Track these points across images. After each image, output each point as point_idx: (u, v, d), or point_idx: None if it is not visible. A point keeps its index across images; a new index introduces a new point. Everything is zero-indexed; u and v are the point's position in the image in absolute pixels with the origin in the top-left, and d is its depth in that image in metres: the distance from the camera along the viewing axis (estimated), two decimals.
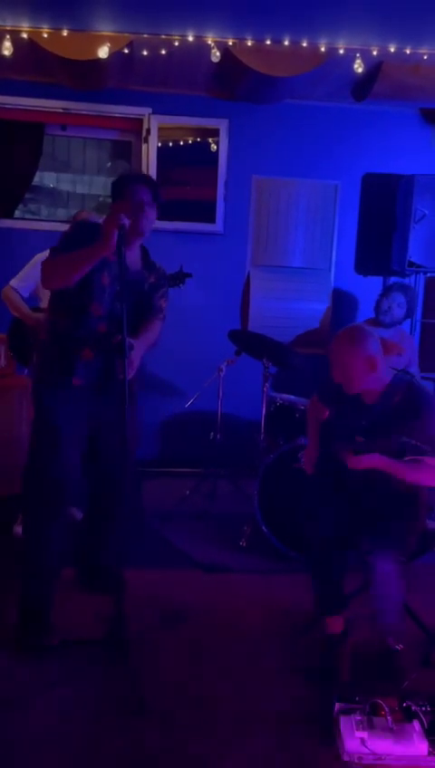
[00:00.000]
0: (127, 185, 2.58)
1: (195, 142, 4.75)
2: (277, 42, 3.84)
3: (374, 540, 2.49)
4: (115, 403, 2.51)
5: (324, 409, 2.86)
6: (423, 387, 2.55)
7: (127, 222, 2.38)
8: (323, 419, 2.88)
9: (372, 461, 2.42)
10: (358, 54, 3.89)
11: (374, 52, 3.87)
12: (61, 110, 4.64)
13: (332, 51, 3.87)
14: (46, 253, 3.62)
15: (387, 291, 4.10)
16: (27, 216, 5.25)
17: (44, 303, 3.58)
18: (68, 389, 2.59)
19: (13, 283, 3.57)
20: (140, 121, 4.69)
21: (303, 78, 4.05)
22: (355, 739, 2.06)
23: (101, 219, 3.64)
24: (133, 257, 2.66)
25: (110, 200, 2.69)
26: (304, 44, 3.84)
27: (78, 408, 2.62)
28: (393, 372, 2.54)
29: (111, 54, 3.79)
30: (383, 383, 2.51)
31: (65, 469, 2.61)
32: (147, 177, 2.87)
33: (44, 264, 2.55)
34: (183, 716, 2.25)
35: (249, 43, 3.85)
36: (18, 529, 3.55)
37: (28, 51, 3.89)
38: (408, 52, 3.87)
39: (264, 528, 3.48)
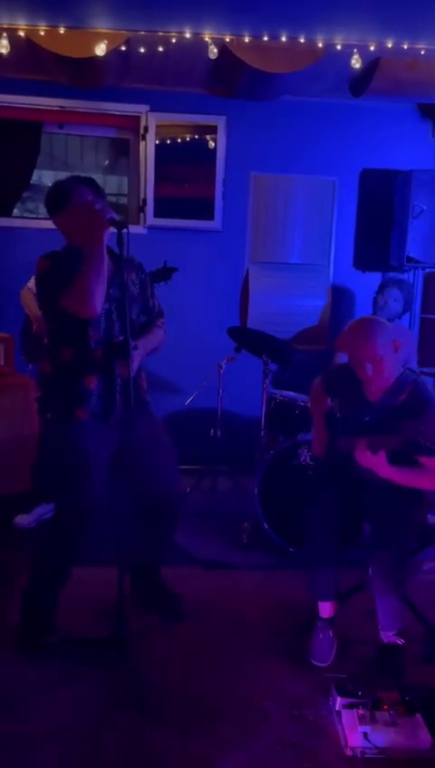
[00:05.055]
0: (70, 189, 2.42)
1: (193, 139, 4.74)
2: (275, 38, 3.82)
3: (375, 530, 2.49)
4: (132, 424, 2.46)
5: (326, 397, 2.85)
6: (427, 385, 2.54)
7: (115, 214, 2.29)
8: (327, 409, 2.86)
9: (377, 465, 2.41)
10: (355, 50, 3.87)
11: (372, 48, 3.86)
12: (58, 108, 4.62)
13: (329, 47, 3.85)
14: None
15: (382, 287, 4.10)
16: (26, 214, 5.24)
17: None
18: (75, 421, 2.49)
19: (30, 284, 3.57)
20: (138, 119, 4.68)
21: (300, 74, 4.03)
22: (358, 733, 2.07)
23: None
24: None
25: (109, 198, 2.62)
26: (302, 40, 3.83)
27: (90, 439, 2.49)
28: (401, 370, 2.53)
29: (109, 52, 3.78)
30: (390, 380, 2.50)
31: (86, 499, 2.51)
32: (84, 178, 2.56)
33: (67, 300, 2.34)
34: (184, 715, 2.25)
35: (246, 40, 3.84)
36: (19, 520, 3.55)
37: (25, 49, 3.88)
38: (405, 47, 3.86)
39: (264, 524, 3.48)
